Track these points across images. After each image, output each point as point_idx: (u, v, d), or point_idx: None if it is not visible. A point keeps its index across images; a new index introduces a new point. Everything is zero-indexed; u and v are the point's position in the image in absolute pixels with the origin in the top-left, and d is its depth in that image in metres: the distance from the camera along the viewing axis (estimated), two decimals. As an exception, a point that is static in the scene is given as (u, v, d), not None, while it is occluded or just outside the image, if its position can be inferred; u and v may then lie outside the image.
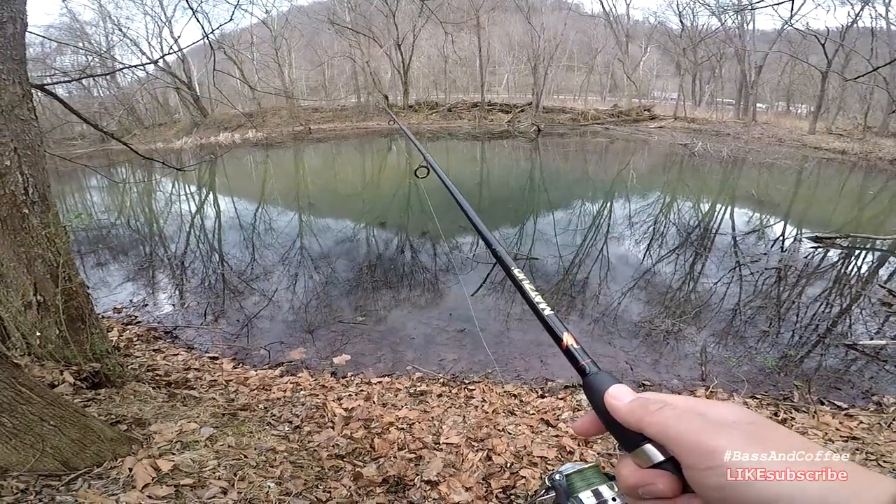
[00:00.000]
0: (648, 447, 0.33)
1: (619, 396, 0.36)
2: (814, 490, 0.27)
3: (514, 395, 3.42)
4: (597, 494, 0.41)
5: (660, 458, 0.33)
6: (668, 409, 0.33)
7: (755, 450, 0.29)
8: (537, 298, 0.46)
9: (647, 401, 0.35)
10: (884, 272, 6.28)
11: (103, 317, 4.57)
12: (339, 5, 28.29)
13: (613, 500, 0.41)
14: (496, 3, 27.60)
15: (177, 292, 5.68)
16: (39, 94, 3.31)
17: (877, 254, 7.08)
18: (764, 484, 0.28)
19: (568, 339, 0.42)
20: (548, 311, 0.45)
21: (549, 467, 2.41)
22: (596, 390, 0.38)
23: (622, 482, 0.35)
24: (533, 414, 3.11)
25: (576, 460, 2.62)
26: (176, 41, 23.64)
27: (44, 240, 2.38)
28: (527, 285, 0.48)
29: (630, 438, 0.35)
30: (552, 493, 0.44)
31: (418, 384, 3.54)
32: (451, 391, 3.46)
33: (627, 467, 0.35)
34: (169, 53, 18.35)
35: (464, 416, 3.00)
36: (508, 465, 2.42)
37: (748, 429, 0.31)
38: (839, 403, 3.35)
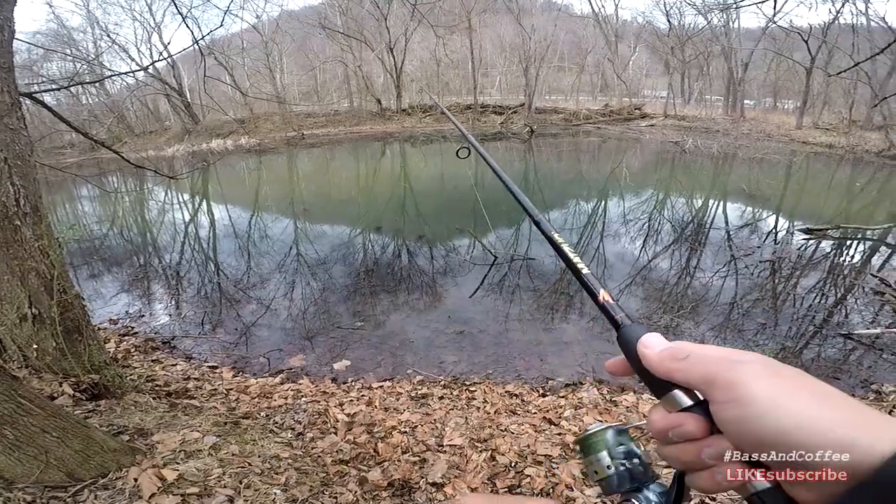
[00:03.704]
0: (677, 392, 0.35)
1: (651, 345, 0.38)
2: (829, 418, 0.29)
3: (516, 395, 3.43)
4: (626, 453, 0.42)
5: (688, 402, 0.35)
6: (693, 356, 0.35)
7: (772, 379, 0.31)
8: (576, 259, 0.48)
9: (676, 350, 0.36)
10: (875, 261, 6.36)
11: (99, 328, 4.52)
12: (331, 10, 28.29)
13: (638, 458, 0.42)
14: (487, 5, 27.72)
15: (173, 302, 5.64)
16: (27, 102, 3.27)
17: (867, 244, 7.17)
18: (778, 413, 0.29)
19: (604, 295, 0.44)
20: (585, 271, 0.47)
21: (554, 465, 2.41)
22: (629, 341, 0.39)
23: (653, 427, 0.37)
24: (535, 413, 3.11)
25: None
26: (166, 47, 23.45)
27: (37, 252, 2.35)
28: (566, 248, 0.50)
29: (660, 385, 0.36)
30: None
31: (419, 387, 3.54)
32: (452, 393, 3.46)
33: (657, 413, 0.37)
34: (159, 60, 18.27)
35: (466, 418, 2.99)
36: (513, 464, 2.42)
37: (765, 361, 0.33)
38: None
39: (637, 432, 0.43)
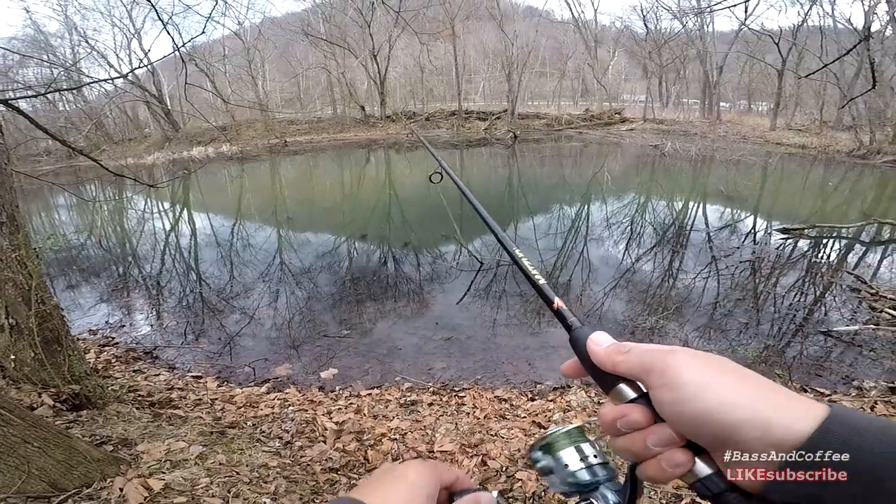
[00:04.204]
0: (622, 386, 0.38)
1: (599, 342, 0.41)
2: (749, 397, 0.32)
3: (505, 400, 3.44)
4: (579, 451, 0.44)
5: (632, 395, 0.38)
6: (634, 349, 0.38)
7: (700, 365, 0.34)
8: (532, 270, 0.52)
9: (620, 345, 0.40)
10: (851, 259, 6.57)
11: (79, 339, 4.41)
12: (314, 16, 28.21)
13: (595, 456, 0.44)
14: (470, 11, 27.98)
15: (154, 312, 5.52)
16: (2, 108, 3.19)
17: (843, 242, 7.41)
18: (705, 395, 0.32)
19: (558, 302, 0.48)
20: (542, 282, 0.50)
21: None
22: (580, 341, 0.42)
23: (602, 420, 0.39)
24: (524, 417, 3.13)
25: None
26: (146, 54, 23.10)
27: (14, 262, 2.30)
28: (525, 262, 0.54)
29: (607, 380, 0.39)
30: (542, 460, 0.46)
31: (408, 394, 3.53)
32: (441, 399, 3.45)
33: (606, 407, 0.39)
34: (139, 67, 17.93)
35: (456, 424, 2.99)
36: (504, 468, 2.42)
37: (694, 352, 0.36)
38: (821, 390, 3.45)
39: (592, 431, 0.44)
